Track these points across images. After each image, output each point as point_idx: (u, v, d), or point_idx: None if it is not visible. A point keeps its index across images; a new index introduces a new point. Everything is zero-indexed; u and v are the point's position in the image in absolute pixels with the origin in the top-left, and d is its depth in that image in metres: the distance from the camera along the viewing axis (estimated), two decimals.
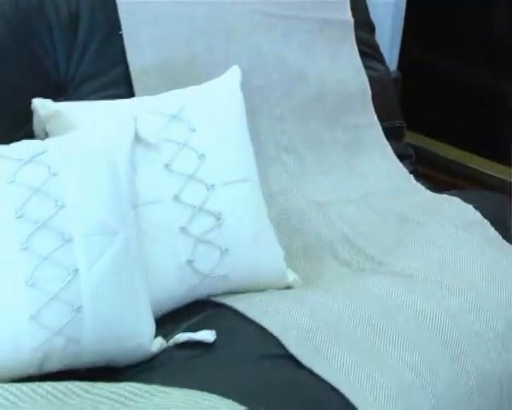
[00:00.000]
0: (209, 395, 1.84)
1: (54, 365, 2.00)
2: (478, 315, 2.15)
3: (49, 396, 1.85)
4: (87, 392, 1.87)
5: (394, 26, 3.58)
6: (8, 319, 1.97)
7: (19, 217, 1.95)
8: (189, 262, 2.18)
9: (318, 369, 1.98)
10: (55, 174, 2.00)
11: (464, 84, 3.70)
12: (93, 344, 2.05)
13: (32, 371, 1.98)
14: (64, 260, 1.96)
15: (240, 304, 2.22)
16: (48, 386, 1.90)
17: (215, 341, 2.12)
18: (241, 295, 2.26)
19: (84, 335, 2.04)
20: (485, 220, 2.54)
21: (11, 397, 1.85)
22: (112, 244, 2.02)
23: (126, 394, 1.85)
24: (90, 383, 1.91)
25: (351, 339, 2.08)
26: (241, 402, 1.85)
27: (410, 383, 2.00)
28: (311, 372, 2.00)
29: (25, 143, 2.10)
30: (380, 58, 3.01)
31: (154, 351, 2.08)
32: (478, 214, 2.55)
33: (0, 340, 1.97)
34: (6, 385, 1.89)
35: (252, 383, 1.96)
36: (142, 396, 1.84)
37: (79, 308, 2.01)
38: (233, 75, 2.38)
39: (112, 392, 1.86)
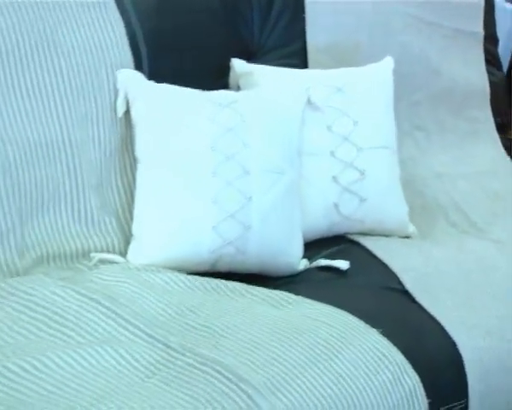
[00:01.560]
0: (343, 311, 1.83)
1: (223, 267, 2.03)
2: None
3: (218, 290, 1.87)
4: (248, 292, 1.89)
5: (509, 40, 3.49)
6: (195, 226, 2.02)
7: (213, 149, 1.94)
8: (335, 205, 2.17)
9: (427, 305, 1.96)
10: (244, 120, 2.01)
11: None
12: (255, 256, 2.07)
13: (206, 268, 2.02)
14: (242, 187, 1.97)
15: (369, 243, 2.22)
16: (219, 282, 1.94)
17: (347, 269, 2.09)
18: (371, 237, 2.25)
19: (249, 248, 2.06)
20: None
21: (189, 284, 1.91)
22: (280, 181, 2.03)
23: (278, 299, 1.86)
24: (252, 286, 1.92)
25: (454, 286, 2.07)
26: (366, 322, 1.83)
27: (495, 329, 1.96)
28: (420, 308, 1.96)
29: (223, 92, 2.12)
30: (499, 66, 2.95)
31: (299, 269, 2.09)
32: None
33: (187, 242, 2.01)
34: (189, 276, 1.94)
35: (374, 308, 1.94)
36: (290, 303, 1.86)
37: (249, 227, 2.04)
38: (387, 63, 2.36)
39: (267, 296, 1.88)
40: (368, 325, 1.81)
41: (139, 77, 2.06)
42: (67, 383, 1.50)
